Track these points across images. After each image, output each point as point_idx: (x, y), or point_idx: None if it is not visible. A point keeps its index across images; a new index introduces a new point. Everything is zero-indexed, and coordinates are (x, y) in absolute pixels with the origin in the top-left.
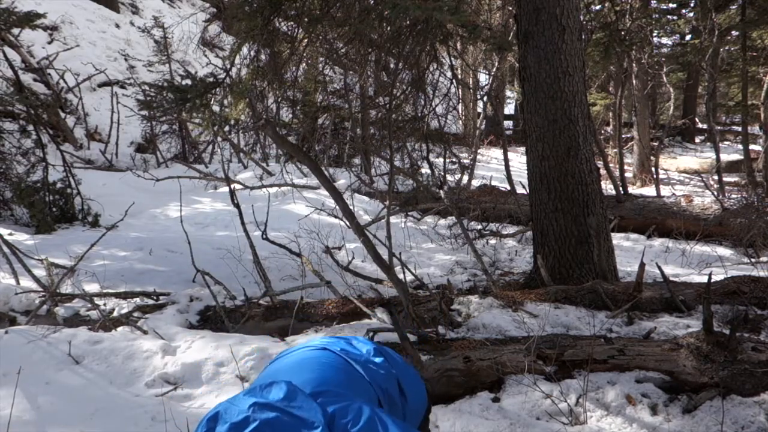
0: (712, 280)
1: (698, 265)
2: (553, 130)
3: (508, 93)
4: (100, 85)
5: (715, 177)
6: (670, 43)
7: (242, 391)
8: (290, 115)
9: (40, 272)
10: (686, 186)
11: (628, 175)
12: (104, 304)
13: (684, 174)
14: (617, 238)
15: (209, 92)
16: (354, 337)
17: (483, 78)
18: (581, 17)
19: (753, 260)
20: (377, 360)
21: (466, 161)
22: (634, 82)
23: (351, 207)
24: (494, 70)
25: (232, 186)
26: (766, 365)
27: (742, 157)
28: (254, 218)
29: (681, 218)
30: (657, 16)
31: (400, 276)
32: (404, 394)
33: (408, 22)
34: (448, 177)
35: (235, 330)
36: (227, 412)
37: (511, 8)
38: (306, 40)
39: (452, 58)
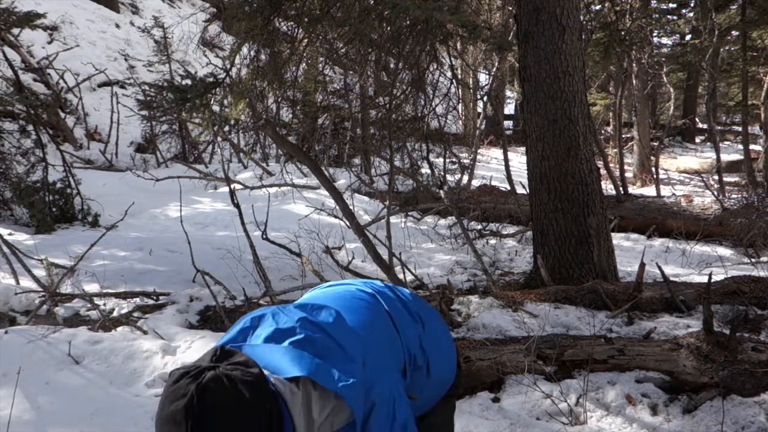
0: (713, 280)
1: (698, 265)
2: (553, 130)
3: (508, 93)
4: (100, 85)
5: (715, 177)
6: (670, 43)
7: (293, 303)
8: (290, 115)
9: (40, 272)
10: (686, 186)
11: (628, 175)
12: (104, 304)
13: (684, 174)
14: (617, 238)
15: (209, 92)
16: (404, 290)
17: (483, 78)
18: (581, 17)
19: (753, 260)
20: (417, 326)
21: (466, 161)
22: (634, 82)
23: (351, 207)
24: (494, 70)
25: (232, 186)
26: (766, 365)
27: (742, 157)
28: (254, 218)
29: (681, 218)
30: (657, 16)
31: (400, 276)
32: (429, 367)
33: (408, 22)
34: (448, 177)
35: None
36: (275, 317)
37: (511, 8)
38: (306, 40)
39: (452, 58)
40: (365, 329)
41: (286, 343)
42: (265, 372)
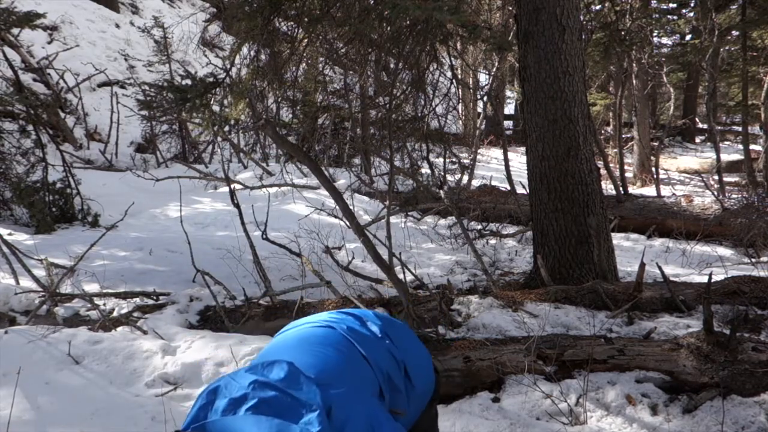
0: (713, 280)
1: (698, 265)
2: (553, 130)
3: (508, 93)
4: (100, 85)
5: (716, 177)
6: (670, 43)
7: (244, 368)
8: (290, 115)
9: (39, 272)
10: (686, 186)
11: (628, 175)
12: (104, 304)
13: (684, 174)
14: (617, 238)
15: (209, 92)
16: (365, 312)
17: (483, 78)
18: (581, 17)
19: (753, 260)
20: (384, 342)
21: (466, 161)
22: (634, 82)
23: (351, 207)
24: (494, 70)
25: (232, 186)
26: (767, 365)
27: (742, 157)
28: (254, 218)
29: (681, 218)
30: (657, 16)
31: (400, 276)
32: (410, 378)
33: (408, 22)
34: (448, 177)
35: (235, 330)
36: (227, 387)
37: (511, 8)
38: (306, 40)
39: (452, 58)
40: (326, 368)
41: (242, 411)
42: None
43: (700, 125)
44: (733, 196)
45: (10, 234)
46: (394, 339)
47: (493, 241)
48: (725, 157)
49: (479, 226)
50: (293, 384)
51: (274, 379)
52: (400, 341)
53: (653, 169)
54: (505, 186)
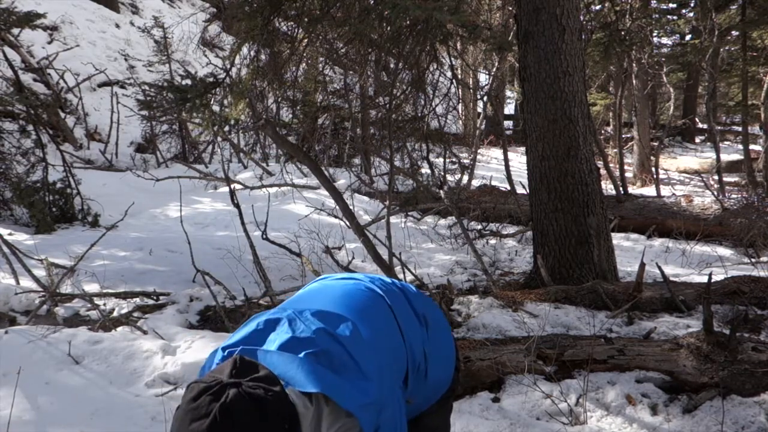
0: (713, 280)
1: (698, 265)
2: (553, 130)
3: (508, 93)
4: (100, 85)
5: (715, 177)
6: (670, 43)
7: (309, 309)
8: (290, 115)
9: (40, 272)
10: (686, 186)
11: (628, 175)
12: (104, 304)
13: (684, 174)
14: (617, 238)
15: (209, 92)
16: (408, 287)
17: (483, 78)
18: (581, 17)
19: (753, 260)
20: (421, 330)
21: (466, 161)
22: (634, 82)
23: (351, 207)
24: (494, 70)
25: (232, 186)
26: (766, 365)
27: (742, 157)
28: (254, 218)
29: (681, 218)
30: (657, 16)
31: (400, 276)
32: (427, 369)
33: (408, 22)
34: (448, 177)
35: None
36: (292, 324)
37: (511, 8)
38: (306, 40)
39: (452, 58)
40: (377, 341)
41: (303, 354)
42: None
43: (700, 125)
44: (733, 196)
45: (10, 234)
46: (430, 327)
47: (493, 241)
48: (725, 157)
49: (479, 226)
50: (356, 347)
51: (340, 334)
52: (432, 331)
53: (653, 169)
54: (505, 186)
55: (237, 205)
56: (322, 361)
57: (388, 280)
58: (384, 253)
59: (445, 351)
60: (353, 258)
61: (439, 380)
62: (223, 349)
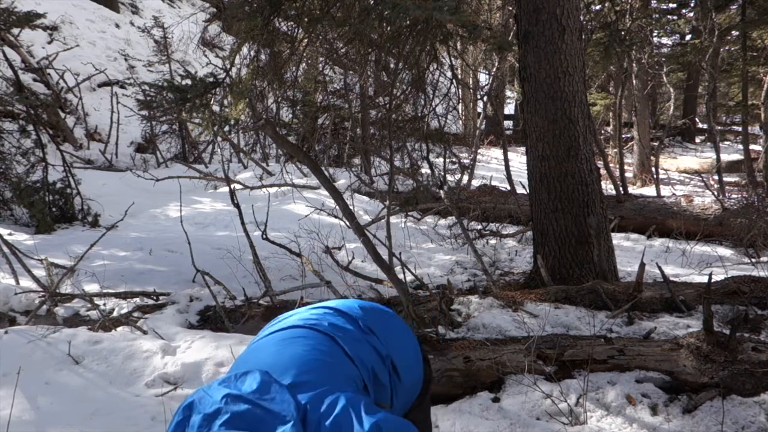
0: (713, 280)
1: (698, 265)
2: (553, 130)
3: (508, 93)
4: (100, 85)
5: (715, 177)
6: (670, 43)
7: (218, 379)
8: (290, 115)
9: (39, 272)
10: (686, 186)
11: (628, 175)
12: (104, 304)
13: (684, 174)
14: (617, 238)
15: (209, 92)
16: (347, 303)
17: (483, 78)
18: (581, 17)
19: (753, 260)
20: (368, 336)
21: (466, 161)
22: (634, 82)
23: (351, 207)
24: (494, 70)
25: (232, 186)
26: (766, 365)
27: (742, 157)
28: (254, 218)
29: (681, 218)
30: (657, 16)
31: (400, 276)
32: (397, 372)
33: (408, 22)
34: (448, 177)
35: (235, 330)
36: (201, 402)
37: (511, 8)
38: (306, 40)
39: (452, 58)
40: (304, 370)
41: (216, 427)
42: None
43: (700, 125)
44: (733, 196)
45: (10, 234)
46: (379, 332)
47: (493, 241)
48: (725, 157)
49: (479, 226)
50: (266, 395)
51: (246, 391)
52: (385, 333)
53: (653, 169)
54: (505, 186)
55: (237, 205)
56: (235, 425)
57: (318, 311)
58: (384, 253)
59: (408, 348)
60: (353, 258)
61: (412, 377)
62: None
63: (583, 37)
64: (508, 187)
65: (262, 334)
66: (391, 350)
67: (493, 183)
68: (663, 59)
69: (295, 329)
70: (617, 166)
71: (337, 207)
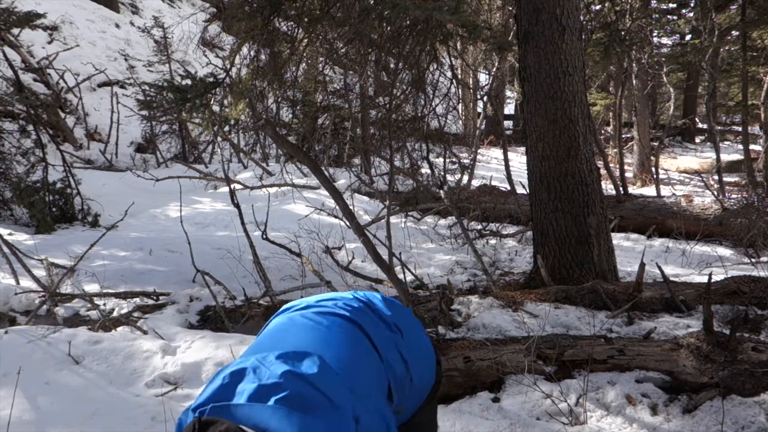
0: (713, 280)
1: (698, 265)
2: (553, 130)
3: (508, 93)
4: (100, 85)
5: (715, 177)
6: (670, 43)
7: (272, 351)
8: (290, 115)
9: (40, 272)
10: (686, 186)
11: (628, 175)
12: (104, 304)
13: (684, 174)
14: (617, 238)
15: (209, 92)
16: (374, 298)
17: (483, 78)
18: (581, 17)
19: (753, 260)
20: (395, 337)
21: (466, 161)
22: (634, 82)
23: (351, 207)
24: (494, 70)
25: (232, 186)
26: (766, 365)
27: (742, 157)
28: (254, 218)
29: (681, 218)
30: (657, 16)
31: (400, 276)
32: (410, 374)
33: (408, 22)
34: (448, 177)
35: (235, 330)
36: (257, 372)
37: (511, 8)
38: (306, 40)
39: (452, 58)
40: (349, 366)
41: (272, 401)
42: None
43: (700, 125)
44: (733, 196)
45: (10, 234)
46: (404, 332)
47: (493, 241)
48: (725, 157)
49: (479, 226)
50: (325, 382)
51: (307, 373)
52: (407, 334)
53: (653, 169)
54: (505, 186)
55: (237, 205)
56: (293, 404)
57: (349, 296)
58: (384, 253)
59: (423, 350)
60: (353, 258)
61: (423, 379)
62: (194, 410)
63: (583, 37)
64: (508, 187)
65: (294, 309)
66: (409, 352)
67: (493, 183)
68: (663, 59)
69: (334, 317)
70: (617, 166)
71: (337, 207)
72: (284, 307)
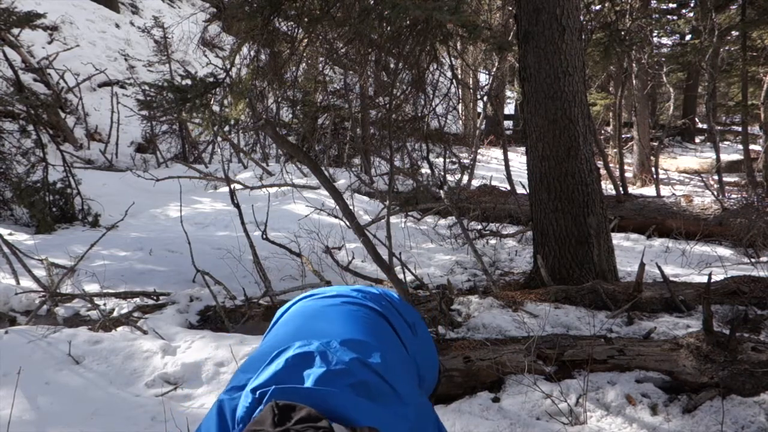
0: (712, 280)
1: (698, 265)
2: (553, 130)
3: (508, 93)
4: (100, 85)
5: (715, 177)
6: (670, 43)
7: (334, 338)
8: (290, 115)
9: (40, 272)
10: (686, 186)
11: (628, 175)
12: (104, 304)
13: (684, 174)
14: (617, 238)
15: (209, 92)
16: (392, 297)
17: (483, 78)
18: (581, 17)
19: (753, 260)
20: (415, 338)
21: (466, 161)
22: (634, 82)
23: (351, 207)
24: (494, 70)
25: (232, 186)
26: (766, 365)
27: (742, 157)
28: (254, 218)
29: (681, 218)
30: (657, 16)
31: (400, 276)
32: (423, 377)
33: (408, 22)
34: (448, 177)
35: (235, 330)
36: (324, 357)
37: (511, 8)
38: (306, 40)
39: (452, 58)
40: (400, 363)
41: (341, 387)
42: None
43: (700, 125)
44: (733, 196)
45: (10, 234)
46: (416, 330)
47: (493, 241)
48: (725, 157)
49: (479, 226)
50: (389, 372)
51: (373, 363)
52: (419, 333)
53: (653, 169)
54: (505, 186)
55: (237, 205)
56: (361, 392)
57: (375, 291)
58: (384, 253)
59: (431, 353)
60: (353, 258)
61: (426, 381)
62: (253, 390)
63: (583, 37)
64: (508, 187)
65: (322, 295)
66: (418, 350)
67: (493, 183)
68: (663, 59)
69: (369, 311)
70: (617, 166)
71: (337, 207)
72: (309, 293)
